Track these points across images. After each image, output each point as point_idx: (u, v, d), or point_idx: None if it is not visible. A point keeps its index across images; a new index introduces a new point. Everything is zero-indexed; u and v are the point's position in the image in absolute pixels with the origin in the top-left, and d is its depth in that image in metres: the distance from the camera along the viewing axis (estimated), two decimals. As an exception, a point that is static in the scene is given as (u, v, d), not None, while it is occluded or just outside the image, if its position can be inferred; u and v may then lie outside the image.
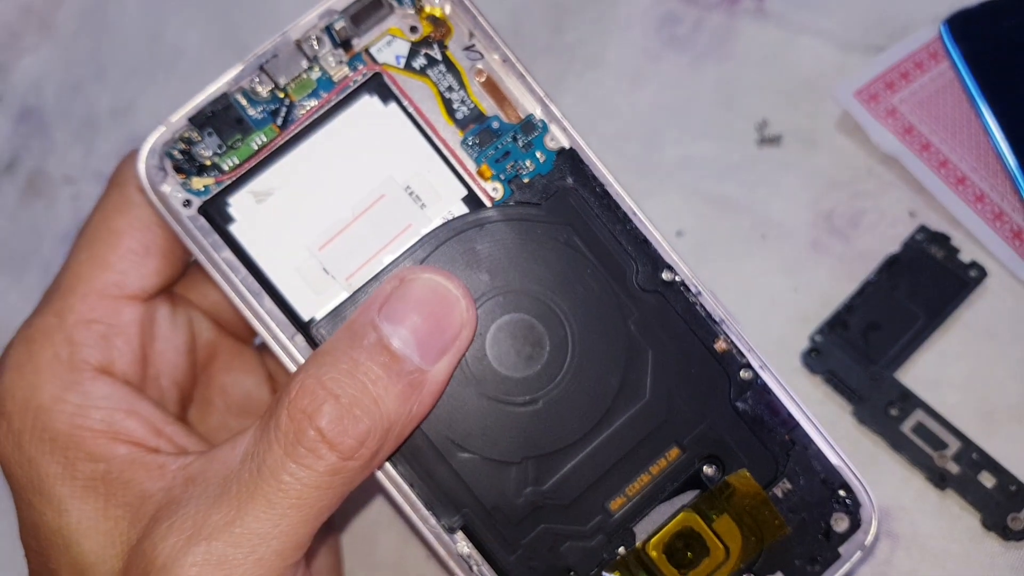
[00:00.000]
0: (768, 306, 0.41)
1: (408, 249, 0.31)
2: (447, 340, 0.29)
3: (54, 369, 0.31)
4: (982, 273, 0.40)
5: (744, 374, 0.31)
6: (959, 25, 0.43)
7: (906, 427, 0.39)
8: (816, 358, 0.40)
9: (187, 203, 0.30)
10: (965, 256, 0.41)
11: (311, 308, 0.31)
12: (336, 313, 0.30)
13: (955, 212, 0.41)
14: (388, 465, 0.30)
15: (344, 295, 0.31)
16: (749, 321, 0.41)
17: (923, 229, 0.41)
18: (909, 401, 0.39)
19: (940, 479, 0.38)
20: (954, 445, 0.38)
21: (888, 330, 0.40)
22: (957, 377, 0.39)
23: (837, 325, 0.40)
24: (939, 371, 0.39)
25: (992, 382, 0.39)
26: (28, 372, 0.31)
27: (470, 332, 0.29)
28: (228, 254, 0.30)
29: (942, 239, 0.41)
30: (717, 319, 0.31)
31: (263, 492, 0.27)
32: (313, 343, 0.31)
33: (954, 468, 0.38)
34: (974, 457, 0.38)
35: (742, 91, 0.44)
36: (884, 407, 0.39)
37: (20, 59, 0.52)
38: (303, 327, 0.31)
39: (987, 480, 0.38)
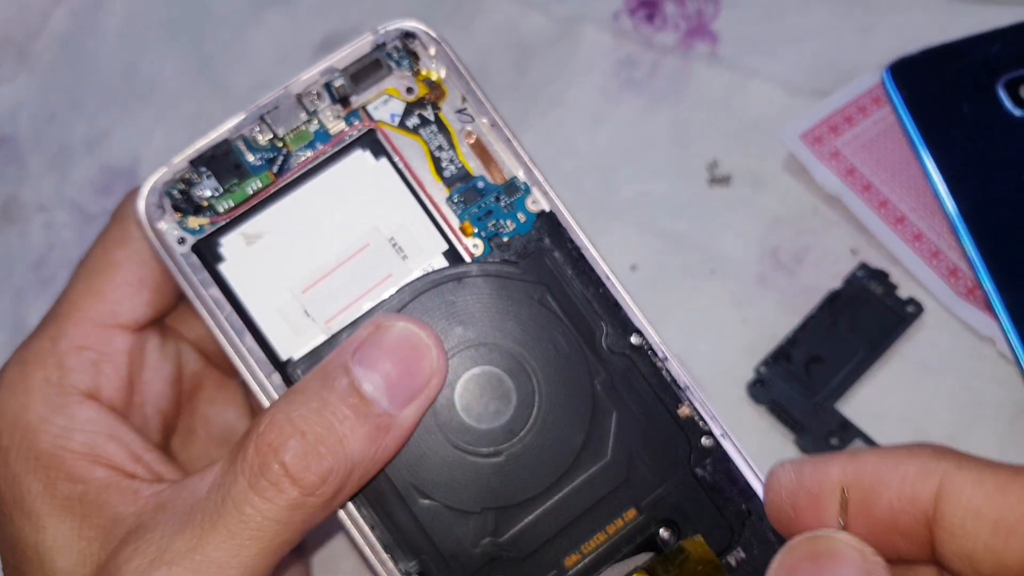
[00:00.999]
0: (717, 338, 0.42)
1: (387, 298, 0.31)
2: (416, 387, 0.29)
3: (44, 391, 0.31)
4: (919, 309, 0.42)
5: (705, 441, 0.31)
6: (901, 72, 0.45)
7: (846, 456, 0.40)
8: (761, 389, 0.41)
9: (182, 240, 0.31)
10: (903, 292, 0.42)
11: (290, 348, 0.31)
12: (314, 355, 0.31)
13: (894, 250, 0.43)
14: (350, 506, 0.30)
15: (323, 338, 0.31)
16: (698, 352, 0.42)
17: (863, 266, 0.43)
18: (849, 431, 0.40)
19: (877, 506, 0.40)
20: (891, 474, 0.40)
21: (829, 363, 0.41)
22: (895, 408, 0.41)
23: (781, 357, 0.41)
24: (877, 402, 0.41)
25: (927, 413, 0.41)
26: (19, 392, 0.31)
27: (440, 381, 0.30)
28: (216, 291, 0.31)
29: (881, 276, 0.43)
30: (682, 385, 0.31)
31: (224, 522, 0.27)
32: (289, 382, 0.31)
33: (891, 496, 0.40)
34: (909, 485, 0.40)
35: (695, 132, 0.46)
36: (825, 436, 0.40)
37: (-3, 88, 0.53)
38: (281, 366, 0.31)
39: (922, 507, 0.39)
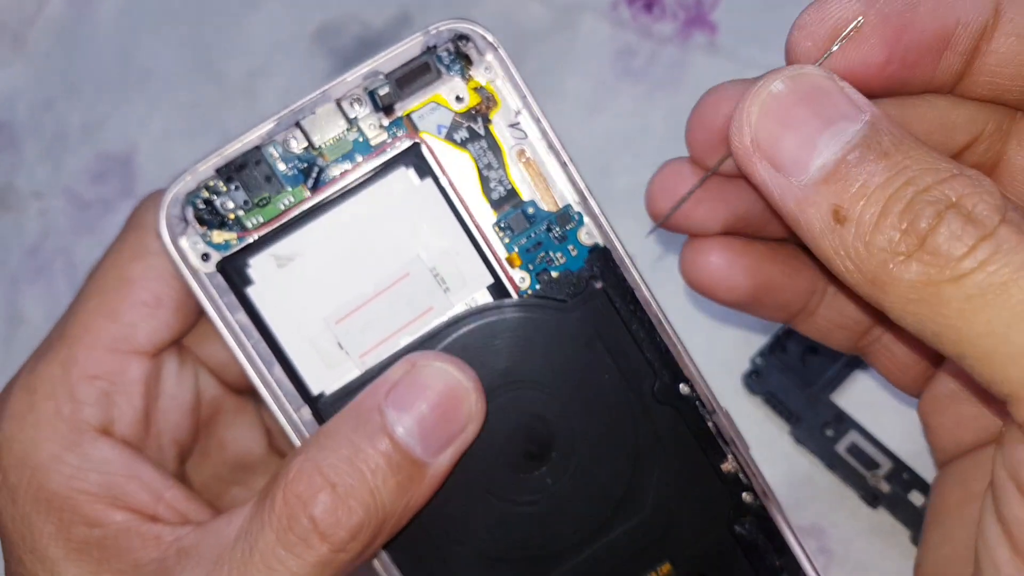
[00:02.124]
0: (713, 329, 0.41)
1: (426, 333, 0.29)
2: (452, 433, 0.27)
3: (55, 426, 0.29)
4: (916, 300, 0.42)
5: (746, 497, 0.30)
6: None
7: (841, 447, 0.39)
8: (757, 380, 0.40)
9: (205, 257, 0.28)
10: (901, 284, 0.43)
11: (321, 382, 0.29)
12: (346, 390, 0.29)
13: (892, 242, 0.43)
14: (382, 551, 0.29)
15: (356, 373, 0.29)
16: (695, 343, 0.42)
17: (862, 257, 0.43)
18: (844, 422, 0.39)
19: (872, 498, 0.38)
20: (886, 465, 0.39)
21: (825, 354, 0.40)
22: (889, 400, 0.40)
23: (777, 348, 0.40)
24: (873, 394, 0.40)
25: (923, 405, 0.41)
26: (28, 426, 0.29)
27: (477, 426, 0.28)
28: (242, 316, 0.28)
29: (879, 267, 0.43)
30: (727, 439, 0.30)
31: None
32: (320, 418, 0.29)
33: (885, 487, 0.38)
34: (905, 477, 0.38)
35: (692, 122, 0.46)
36: (820, 427, 0.39)
37: (-8, 75, 0.52)
38: (311, 400, 0.29)
39: (916, 499, 0.38)
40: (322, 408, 0.29)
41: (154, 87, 0.50)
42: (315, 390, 0.29)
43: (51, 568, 0.28)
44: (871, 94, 0.25)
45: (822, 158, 0.23)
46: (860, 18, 0.25)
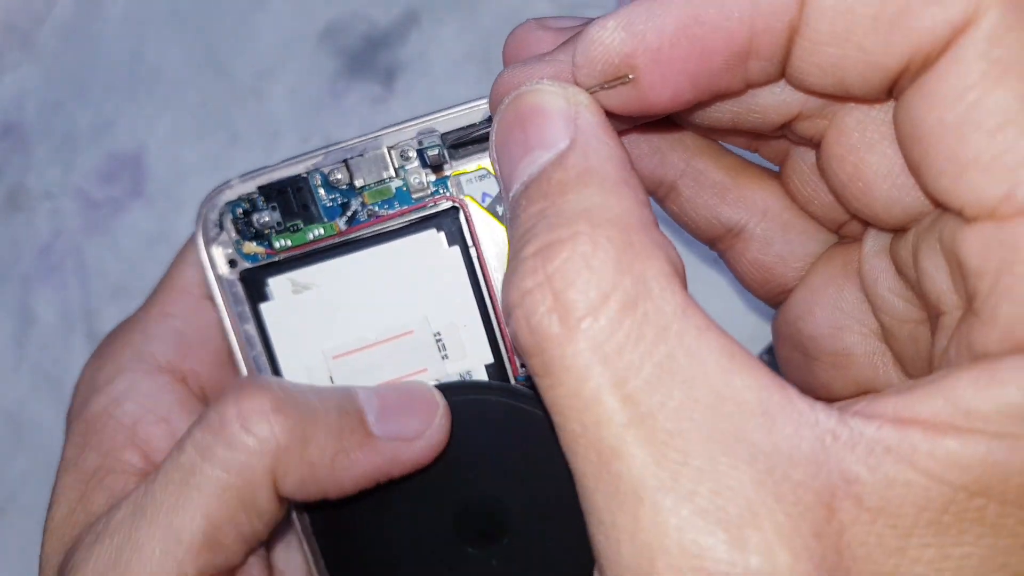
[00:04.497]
0: (720, 325, 0.43)
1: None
2: (407, 425, 0.26)
3: (121, 353, 0.30)
4: (924, 296, 0.42)
5: None
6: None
7: (848, 443, 0.40)
8: None
9: (232, 263, 0.29)
10: (908, 279, 0.42)
11: None
12: None
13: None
14: None
15: None
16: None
17: (869, 253, 0.43)
18: None
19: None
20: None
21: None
22: None
23: None
24: None
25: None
26: (107, 355, 0.30)
27: (431, 442, 0.26)
28: (250, 327, 0.29)
29: (886, 263, 0.43)
30: None
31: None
32: None
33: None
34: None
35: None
36: None
37: (1, 76, 0.49)
38: None
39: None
40: None
41: (163, 87, 0.49)
42: None
43: (61, 465, 0.29)
44: (671, 111, 0.21)
45: (514, 189, 0.21)
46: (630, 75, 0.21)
